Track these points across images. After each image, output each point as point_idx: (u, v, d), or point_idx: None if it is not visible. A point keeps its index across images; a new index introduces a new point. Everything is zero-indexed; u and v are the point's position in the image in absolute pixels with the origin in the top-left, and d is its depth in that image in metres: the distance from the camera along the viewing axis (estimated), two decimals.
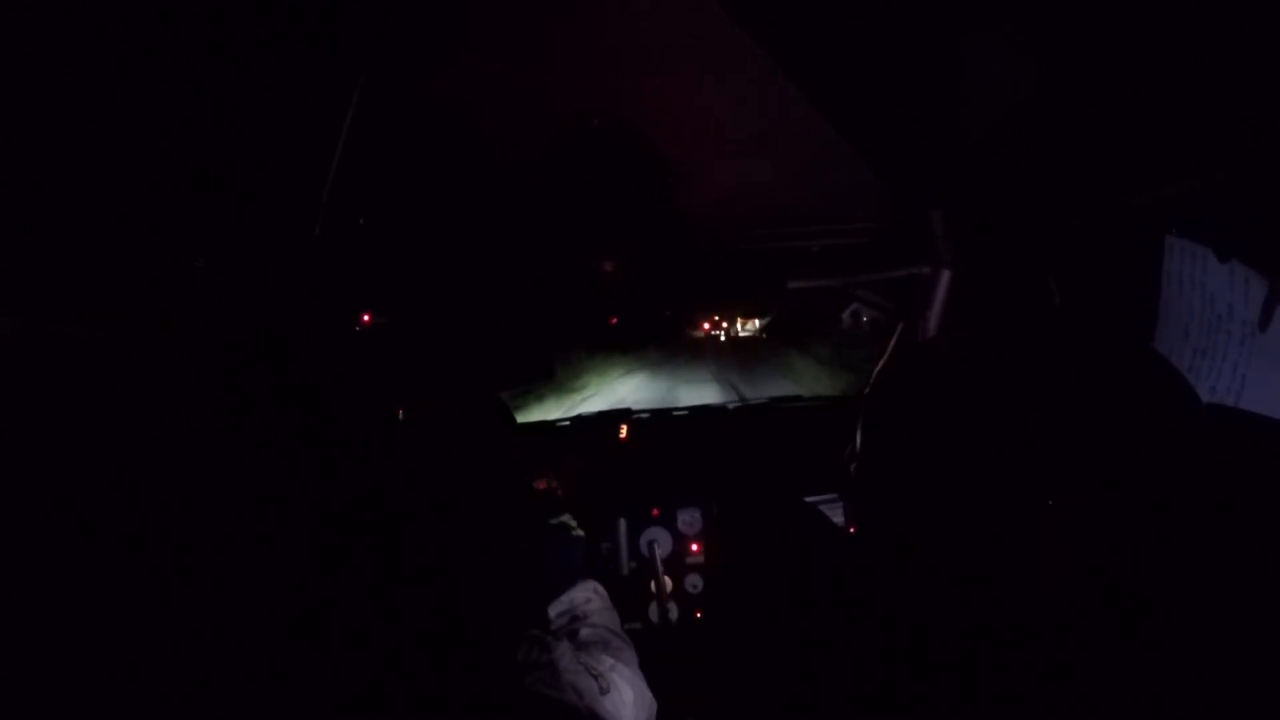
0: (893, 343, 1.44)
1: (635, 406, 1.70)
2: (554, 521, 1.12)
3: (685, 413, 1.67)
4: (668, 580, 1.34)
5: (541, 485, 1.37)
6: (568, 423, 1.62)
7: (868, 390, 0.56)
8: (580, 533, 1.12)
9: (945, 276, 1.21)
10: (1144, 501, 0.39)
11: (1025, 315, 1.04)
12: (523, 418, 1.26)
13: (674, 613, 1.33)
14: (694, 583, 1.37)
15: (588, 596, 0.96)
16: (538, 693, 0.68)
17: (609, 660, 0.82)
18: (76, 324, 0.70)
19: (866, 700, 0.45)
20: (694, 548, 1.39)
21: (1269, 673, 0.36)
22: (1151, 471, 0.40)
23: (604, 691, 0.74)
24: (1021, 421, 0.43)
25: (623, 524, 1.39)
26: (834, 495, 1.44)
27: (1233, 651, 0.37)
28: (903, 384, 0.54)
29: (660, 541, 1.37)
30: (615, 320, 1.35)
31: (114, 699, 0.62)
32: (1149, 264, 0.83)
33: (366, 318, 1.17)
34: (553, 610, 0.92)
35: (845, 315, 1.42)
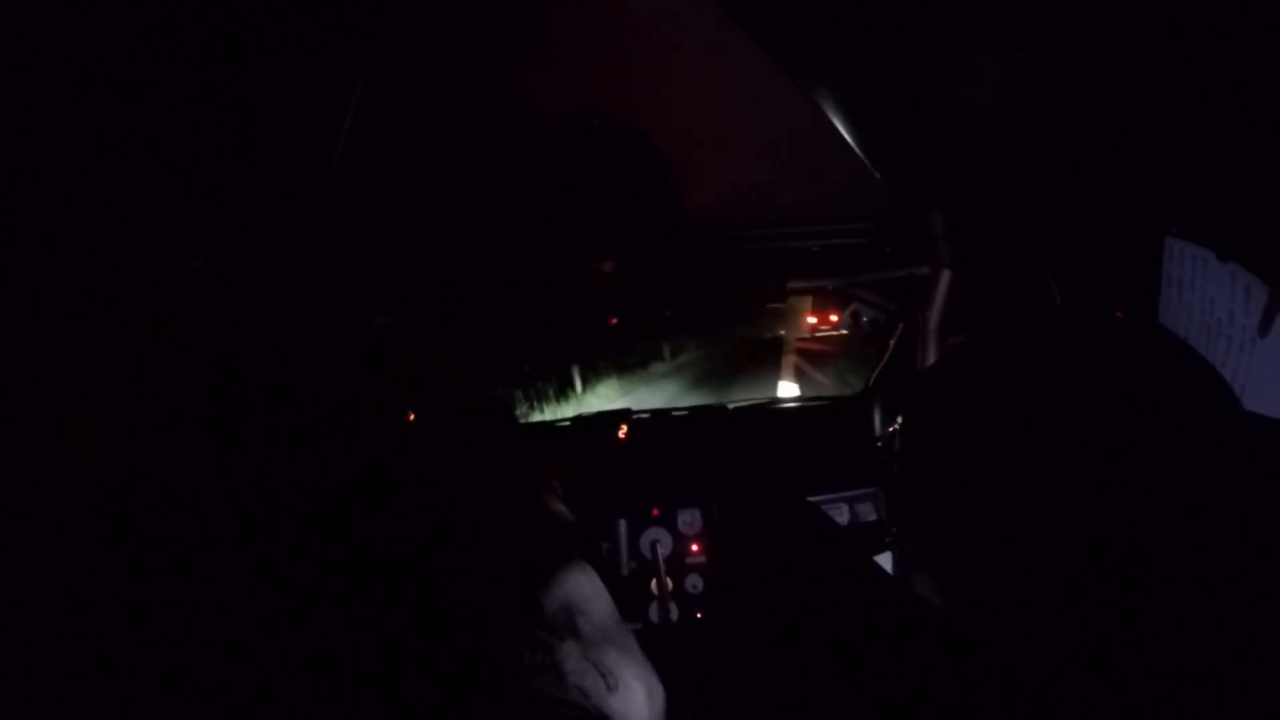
0: (893, 343, 1.44)
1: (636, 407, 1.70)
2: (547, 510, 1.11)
3: (685, 413, 1.67)
4: (668, 580, 1.34)
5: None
6: (568, 423, 1.62)
7: (918, 385, 0.56)
8: (570, 518, 1.10)
9: (945, 276, 1.21)
10: (1184, 506, 0.39)
11: (1054, 314, 1.03)
12: (523, 418, 1.26)
13: (674, 613, 1.33)
14: (694, 583, 1.37)
15: (578, 583, 0.94)
16: (543, 696, 0.67)
17: (614, 654, 0.81)
18: (76, 324, 0.70)
19: (868, 701, 0.45)
20: (694, 548, 1.39)
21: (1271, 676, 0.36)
22: (1197, 476, 0.39)
23: (612, 689, 0.73)
24: (1070, 423, 0.42)
25: (623, 524, 1.39)
26: (835, 495, 1.44)
27: (1254, 659, 0.37)
28: (959, 379, 0.54)
29: (660, 541, 1.37)
30: (615, 320, 1.35)
31: (114, 698, 0.62)
32: (1149, 265, 0.83)
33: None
34: (547, 603, 0.91)
35: (845, 315, 1.42)
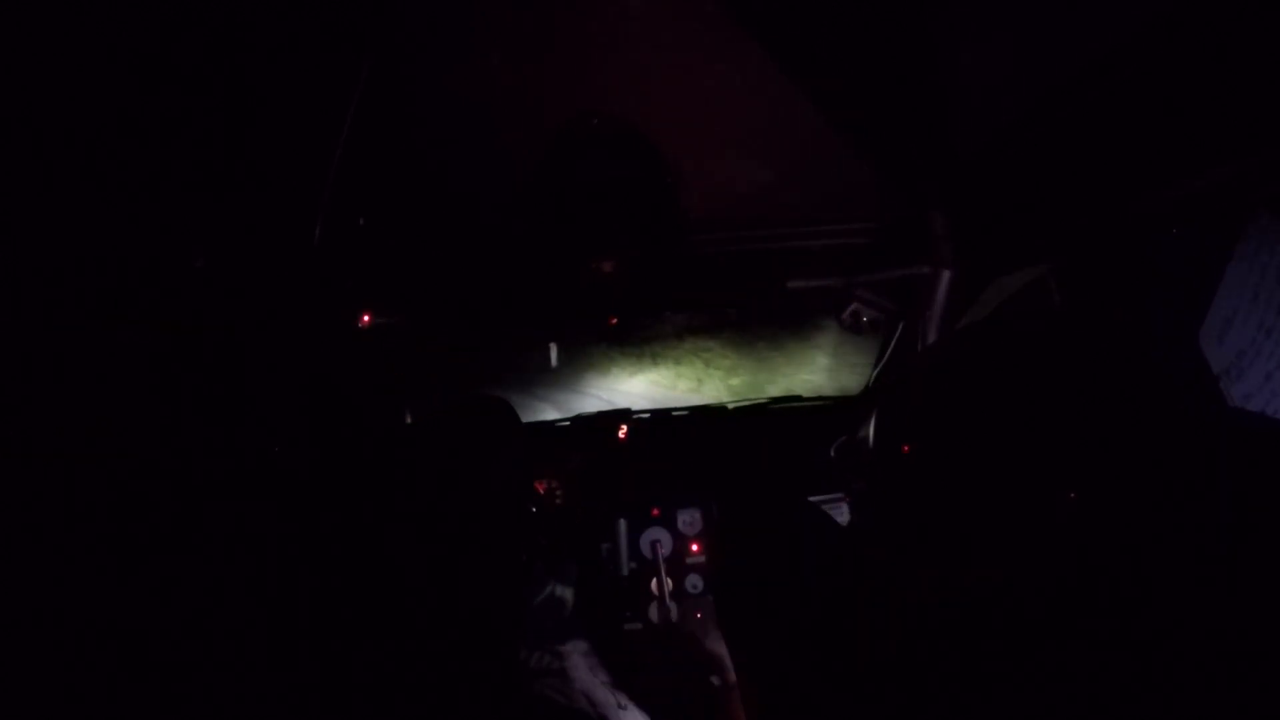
0: (893, 343, 1.44)
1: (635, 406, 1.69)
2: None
3: (685, 413, 1.67)
4: (668, 580, 1.34)
5: (542, 486, 1.37)
6: (568, 423, 1.62)
7: (888, 386, 0.57)
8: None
9: (945, 276, 1.21)
10: (1155, 501, 0.39)
11: (1041, 314, 1.04)
12: (523, 418, 1.26)
13: (674, 613, 1.33)
14: (694, 583, 1.37)
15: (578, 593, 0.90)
16: (547, 698, 0.67)
17: (625, 699, 0.81)
18: (77, 324, 0.70)
19: (869, 699, 0.45)
20: (694, 548, 1.39)
21: (1270, 675, 0.36)
22: (1168, 473, 0.39)
23: (623, 708, 0.73)
24: (1038, 419, 0.43)
25: (623, 524, 1.39)
26: (836, 495, 1.44)
27: (1237, 653, 0.37)
28: (927, 380, 0.54)
29: (660, 541, 1.37)
30: (615, 320, 1.35)
31: (114, 701, 0.62)
32: (1149, 265, 0.83)
33: (366, 318, 1.17)
34: (551, 608, 0.90)
35: (845, 315, 1.42)
